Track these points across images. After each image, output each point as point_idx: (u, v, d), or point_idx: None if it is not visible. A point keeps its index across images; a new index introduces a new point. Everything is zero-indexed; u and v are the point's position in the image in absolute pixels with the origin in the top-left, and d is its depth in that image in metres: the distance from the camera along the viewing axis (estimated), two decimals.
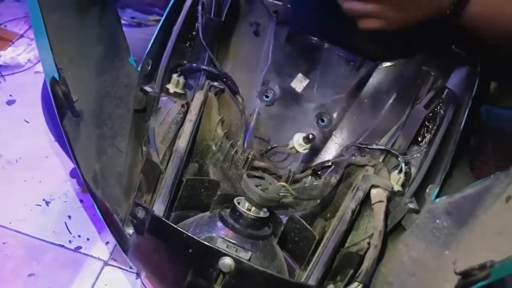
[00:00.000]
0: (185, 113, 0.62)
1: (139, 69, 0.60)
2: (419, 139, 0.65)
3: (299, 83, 0.74)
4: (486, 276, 0.39)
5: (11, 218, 0.91)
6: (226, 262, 0.43)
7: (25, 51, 1.46)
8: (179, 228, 0.45)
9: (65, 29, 0.45)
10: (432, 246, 0.53)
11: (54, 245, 0.87)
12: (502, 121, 0.85)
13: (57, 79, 0.42)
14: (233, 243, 0.48)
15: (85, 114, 0.51)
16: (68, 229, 0.89)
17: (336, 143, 0.71)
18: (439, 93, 0.66)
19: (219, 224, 0.51)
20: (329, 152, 0.70)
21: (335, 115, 0.72)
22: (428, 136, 0.65)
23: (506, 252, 0.38)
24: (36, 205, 0.95)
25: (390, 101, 0.71)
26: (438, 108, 0.65)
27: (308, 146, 0.63)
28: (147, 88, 0.60)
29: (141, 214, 0.46)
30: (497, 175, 0.51)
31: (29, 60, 1.44)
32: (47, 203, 0.96)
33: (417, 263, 0.53)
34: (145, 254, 0.50)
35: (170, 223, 0.46)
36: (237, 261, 0.43)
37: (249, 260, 0.45)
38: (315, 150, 0.70)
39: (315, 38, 0.73)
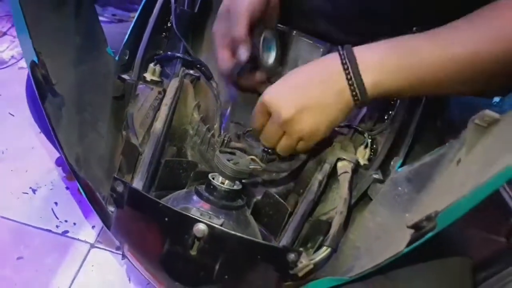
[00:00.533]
0: (162, 99, 0.65)
1: (116, 59, 0.64)
2: (385, 117, 0.69)
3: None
4: (433, 227, 0.43)
5: None
6: (200, 227, 0.47)
7: (8, 48, 1.51)
8: (155, 199, 0.48)
9: (43, 19, 0.49)
10: (394, 211, 0.57)
11: (42, 230, 0.90)
12: (468, 108, 0.89)
13: (37, 62, 0.46)
14: (208, 213, 0.52)
15: (66, 100, 0.54)
16: (55, 215, 0.92)
17: None
18: None
19: (195, 197, 0.54)
20: None
21: None
22: (392, 114, 0.69)
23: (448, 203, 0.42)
24: (23, 193, 0.98)
25: None
26: None
27: None
28: (125, 76, 0.64)
29: (120, 188, 0.50)
30: (451, 143, 0.55)
31: (12, 56, 1.48)
32: (34, 191, 0.99)
33: (381, 227, 0.57)
34: (126, 227, 0.53)
35: (147, 195, 0.49)
36: (210, 226, 0.47)
37: (221, 225, 0.49)
38: None
39: (284, 26, 0.77)
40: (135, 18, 0.67)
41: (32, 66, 0.45)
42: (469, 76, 0.53)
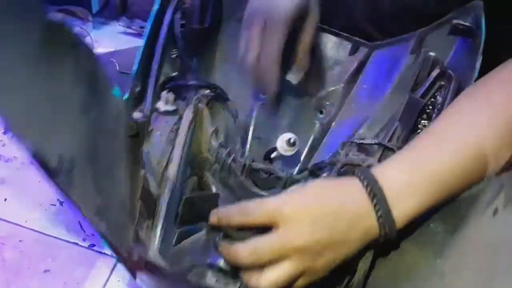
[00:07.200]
0: (178, 129, 0.63)
1: (126, 97, 0.61)
2: (419, 128, 0.63)
3: (293, 75, 0.72)
4: None
5: (26, 217, 0.95)
6: None
7: None
8: (171, 272, 0.48)
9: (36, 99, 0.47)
10: (425, 252, 0.53)
11: (68, 243, 0.91)
12: None
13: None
14: (225, 271, 0.51)
15: (76, 160, 0.53)
16: (82, 228, 0.94)
17: (335, 135, 0.69)
18: (439, 77, 0.62)
19: (213, 252, 0.54)
20: (328, 146, 0.69)
21: (333, 104, 0.71)
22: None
23: None
24: (51, 204, 1.00)
25: (389, 85, 0.67)
26: (438, 94, 0.62)
27: (294, 148, 0.63)
28: (136, 115, 0.61)
29: (135, 256, 0.50)
30: (490, 179, 0.50)
31: None
32: (61, 203, 1.01)
33: (411, 268, 0.54)
34: (148, 283, 0.54)
35: (162, 267, 0.49)
36: None
37: None
38: (314, 144, 0.70)
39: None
40: (143, 44, 0.63)
41: (35, 155, 0.44)
42: None
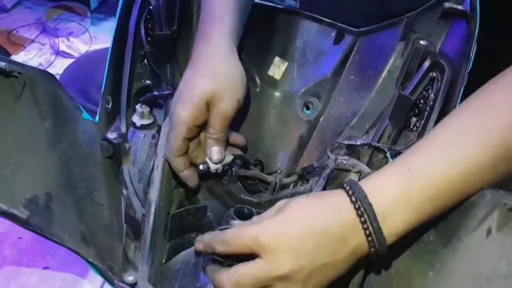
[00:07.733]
0: (157, 143, 0.60)
1: (96, 120, 0.58)
2: (410, 127, 0.60)
3: (277, 69, 0.67)
4: None
5: None
6: None
7: (36, 55, 1.53)
8: None
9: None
10: (418, 262, 0.52)
11: None
12: None
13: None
14: None
15: (54, 191, 0.52)
16: None
17: (324, 132, 0.66)
18: (430, 69, 0.58)
19: (202, 275, 0.53)
20: (317, 145, 0.66)
21: (320, 99, 0.67)
22: (420, 122, 0.59)
23: None
24: None
25: (378, 76, 0.63)
26: (430, 88, 0.58)
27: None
28: (111, 135, 0.58)
29: None
30: (486, 190, 0.47)
31: (40, 64, 1.50)
32: None
33: (403, 278, 0.53)
34: None
35: None
36: None
37: None
38: (302, 143, 0.67)
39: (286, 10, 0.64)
40: (109, 56, 0.59)
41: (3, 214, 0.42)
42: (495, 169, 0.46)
